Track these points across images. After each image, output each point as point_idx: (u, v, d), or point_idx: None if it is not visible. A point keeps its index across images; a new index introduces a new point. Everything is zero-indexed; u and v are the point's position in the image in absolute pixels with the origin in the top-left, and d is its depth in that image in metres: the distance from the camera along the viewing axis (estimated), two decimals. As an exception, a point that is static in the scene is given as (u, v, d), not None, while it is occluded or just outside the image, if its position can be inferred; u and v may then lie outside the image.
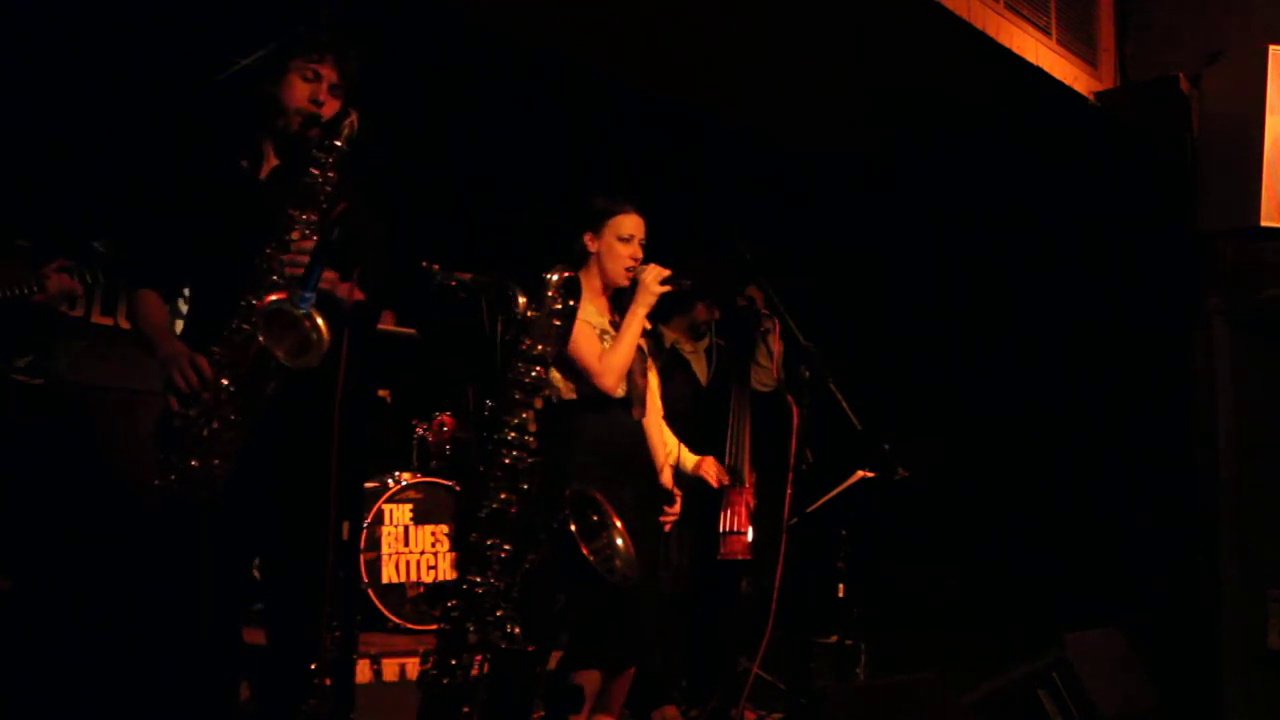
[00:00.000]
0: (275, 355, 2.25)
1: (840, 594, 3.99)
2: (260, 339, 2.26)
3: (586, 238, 3.41)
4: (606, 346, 3.32)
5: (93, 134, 4.39)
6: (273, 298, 2.29)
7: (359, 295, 2.45)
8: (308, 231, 2.42)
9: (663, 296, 3.42)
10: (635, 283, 3.36)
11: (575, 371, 3.32)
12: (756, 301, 4.25)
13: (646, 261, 3.39)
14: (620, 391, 3.34)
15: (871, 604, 4.23)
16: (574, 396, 3.35)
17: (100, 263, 3.57)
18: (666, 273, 3.34)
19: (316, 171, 2.44)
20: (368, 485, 4.64)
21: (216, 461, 2.32)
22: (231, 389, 2.32)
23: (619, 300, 3.43)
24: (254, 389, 2.32)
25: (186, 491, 2.32)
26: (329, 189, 2.44)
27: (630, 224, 3.40)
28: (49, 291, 3.39)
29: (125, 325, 4.90)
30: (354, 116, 2.47)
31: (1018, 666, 3.53)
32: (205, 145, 2.69)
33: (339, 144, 2.45)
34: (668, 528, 3.63)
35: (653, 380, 4.26)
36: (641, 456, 3.43)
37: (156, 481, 2.34)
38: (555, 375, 3.31)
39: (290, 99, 2.57)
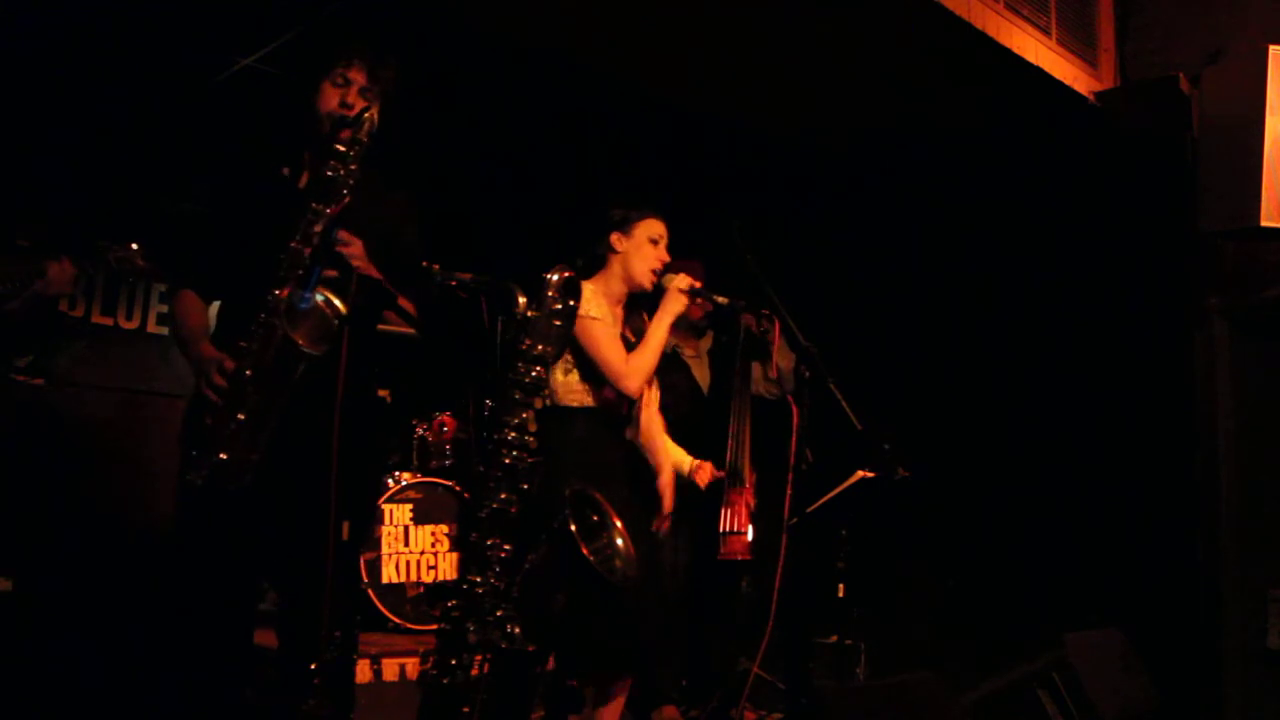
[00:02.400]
0: (298, 343, 2.30)
1: (840, 594, 3.99)
2: (284, 330, 2.30)
3: (614, 238, 3.41)
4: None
5: (95, 134, 4.40)
6: (290, 290, 2.35)
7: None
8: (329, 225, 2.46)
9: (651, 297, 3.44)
10: (658, 289, 3.37)
11: (594, 375, 3.29)
12: (761, 312, 4.24)
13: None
14: (639, 391, 3.32)
15: (871, 604, 4.22)
16: (591, 402, 3.31)
17: (101, 262, 3.58)
18: (698, 284, 3.38)
19: (338, 164, 2.47)
20: (367, 485, 4.64)
21: (253, 456, 2.36)
22: (254, 379, 2.35)
23: (631, 311, 3.42)
24: (278, 379, 2.35)
25: (218, 484, 2.35)
26: (351, 182, 2.47)
27: (659, 227, 3.44)
28: (47, 277, 3.39)
29: (125, 325, 4.91)
30: (373, 111, 2.52)
31: (1018, 666, 3.53)
32: (249, 152, 2.77)
33: (359, 137, 2.49)
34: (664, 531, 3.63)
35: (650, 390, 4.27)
36: (622, 467, 3.40)
37: (188, 477, 2.36)
38: (571, 379, 3.30)
39: (322, 105, 2.64)
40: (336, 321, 2.34)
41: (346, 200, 2.43)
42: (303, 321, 2.33)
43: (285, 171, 2.72)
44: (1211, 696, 4.63)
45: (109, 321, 4.73)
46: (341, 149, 2.48)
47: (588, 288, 3.29)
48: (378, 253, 2.56)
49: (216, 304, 2.78)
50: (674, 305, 3.33)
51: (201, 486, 2.35)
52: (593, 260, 3.44)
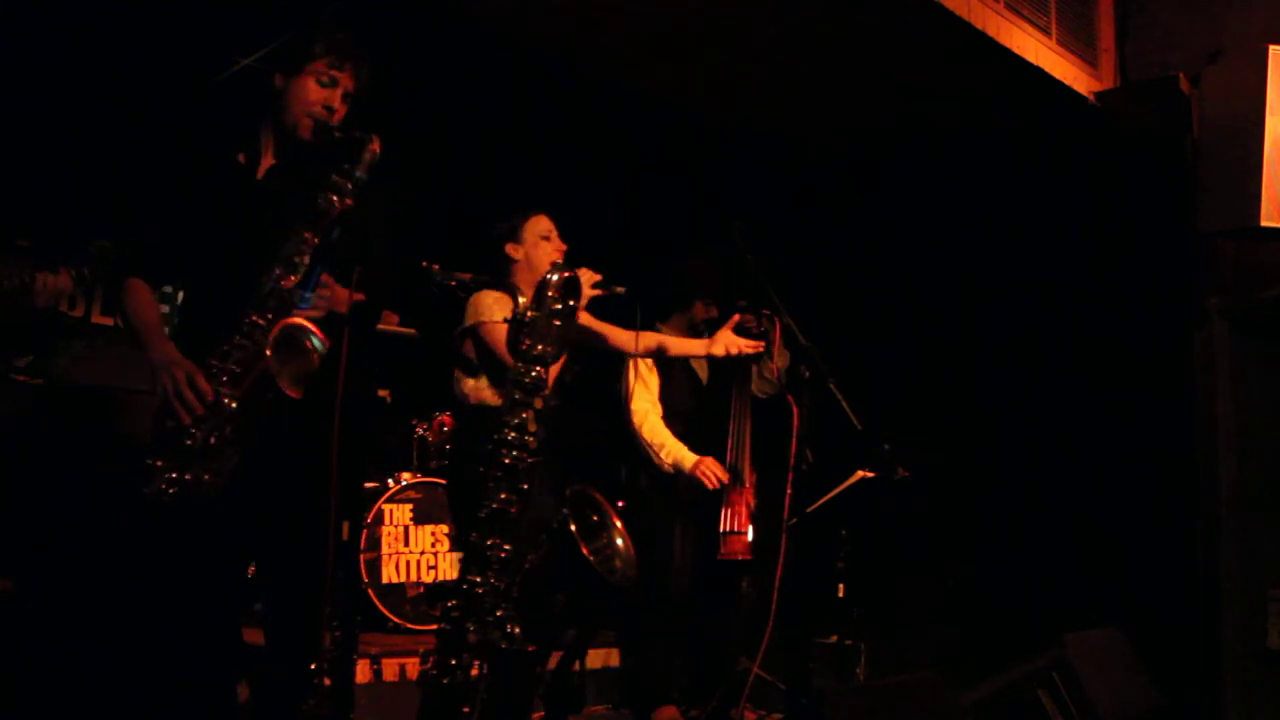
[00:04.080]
0: (278, 383, 2.23)
1: (840, 594, 3.99)
2: (268, 364, 2.24)
3: (509, 249, 3.51)
4: None
5: (91, 133, 4.39)
6: (287, 322, 2.27)
7: (359, 296, 2.44)
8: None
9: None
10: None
11: (501, 377, 3.35)
12: (761, 312, 4.24)
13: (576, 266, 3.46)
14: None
15: (871, 604, 4.22)
16: (498, 402, 3.41)
17: (99, 263, 3.56)
18: (599, 276, 3.37)
19: (335, 198, 2.36)
20: (368, 485, 4.64)
21: (207, 477, 2.29)
22: (234, 407, 2.29)
23: None
24: (252, 409, 2.30)
25: (176, 499, 2.29)
26: (340, 210, 2.38)
27: (545, 223, 3.54)
28: (35, 289, 3.37)
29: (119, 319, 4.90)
30: (376, 144, 2.40)
31: (1018, 666, 3.52)
32: (202, 135, 2.64)
33: (359, 173, 2.38)
34: None
35: (652, 380, 4.28)
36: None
37: (146, 489, 2.28)
38: (481, 382, 3.43)
39: (302, 99, 2.50)
40: (316, 368, 2.26)
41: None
42: (287, 360, 2.25)
43: (241, 159, 2.59)
44: (1211, 696, 4.63)
45: (109, 321, 4.71)
46: (339, 180, 2.37)
47: (491, 295, 3.41)
48: (357, 257, 2.50)
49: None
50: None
51: (157, 499, 2.28)
52: (498, 278, 3.54)
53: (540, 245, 3.49)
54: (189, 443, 2.29)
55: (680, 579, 4.17)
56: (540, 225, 3.53)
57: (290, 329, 2.27)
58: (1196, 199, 4.69)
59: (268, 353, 2.25)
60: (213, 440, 2.29)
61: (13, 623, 3.46)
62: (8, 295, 3.36)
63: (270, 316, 2.31)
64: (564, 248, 3.51)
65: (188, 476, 2.28)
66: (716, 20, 4.37)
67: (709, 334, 4.49)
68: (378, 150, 2.39)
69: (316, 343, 2.26)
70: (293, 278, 2.34)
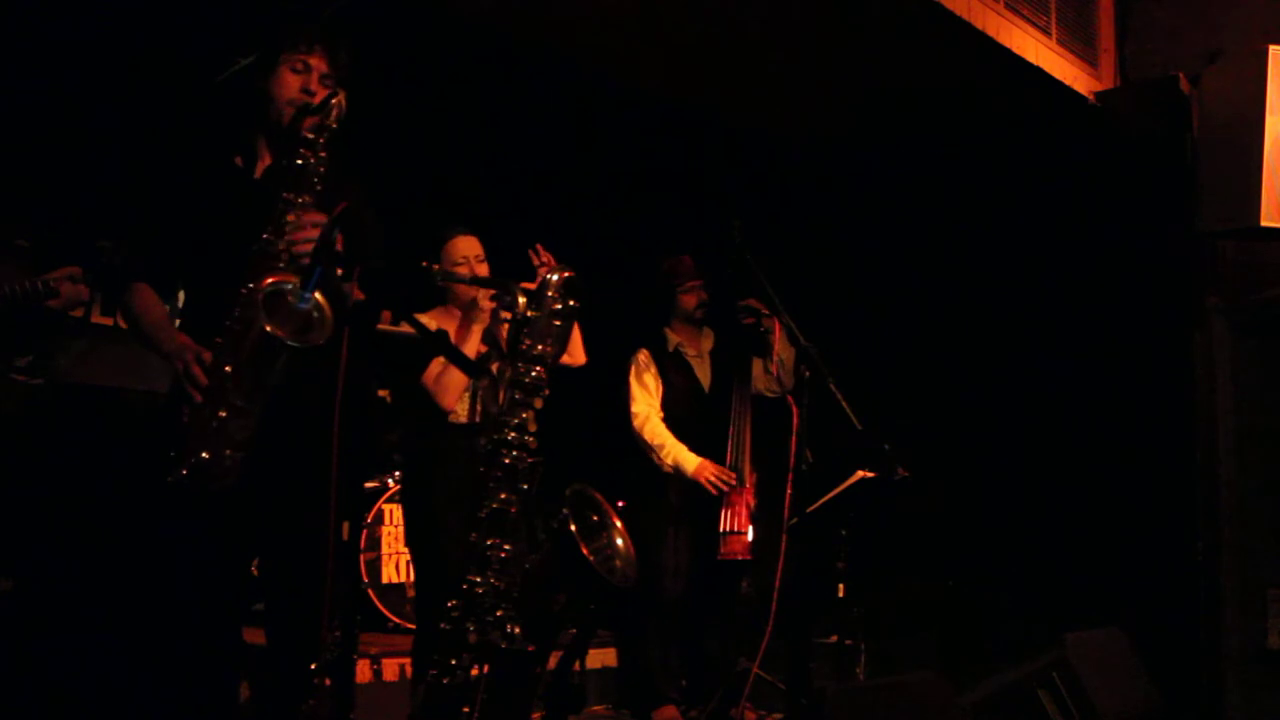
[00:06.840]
0: (279, 336, 2.25)
1: (840, 594, 3.99)
2: (263, 322, 2.25)
3: (436, 269, 3.52)
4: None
5: (91, 135, 4.40)
6: (270, 280, 2.29)
7: (359, 295, 2.45)
8: (302, 215, 2.42)
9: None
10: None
11: (418, 393, 3.45)
12: (757, 307, 4.25)
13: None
14: (454, 406, 3.46)
15: (871, 604, 4.23)
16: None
17: (102, 265, 3.56)
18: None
19: (307, 152, 2.43)
20: (367, 485, 4.64)
21: (228, 452, 2.31)
22: (233, 374, 2.31)
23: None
24: (258, 373, 2.31)
25: (201, 484, 2.30)
26: (322, 169, 2.44)
27: (463, 246, 3.56)
28: (62, 298, 3.38)
29: (125, 325, 4.90)
30: (341, 96, 2.46)
31: (1018, 666, 3.52)
32: (200, 143, 2.70)
33: (328, 124, 2.45)
34: None
35: (653, 383, 4.28)
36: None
37: (169, 479, 2.31)
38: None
39: (282, 92, 2.57)
40: (316, 314, 2.28)
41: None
42: (283, 315, 2.27)
43: (239, 161, 2.65)
44: (1211, 696, 4.63)
45: (109, 321, 4.70)
46: (310, 136, 2.44)
47: (426, 319, 3.43)
48: (357, 257, 2.51)
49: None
50: (481, 316, 3.44)
51: (182, 486, 2.29)
52: (435, 296, 3.65)
53: (457, 269, 3.53)
54: (204, 425, 2.30)
55: (674, 580, 4.18)
56: (456, 250, 3.55)
57: (273, 287, 2.28)
58: (1196, 199, 4.68)
59: (262, 318, 2.26)
60: (224, 414, 2.30)
61: (13, 623, 3.46)
62: (16, 300, 3.36)
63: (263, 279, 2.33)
64: (483, 268, 3.54)
65: (205, 455, 2.29)
66: (716, 20, 4.36)
67: (707, 324, 4.51)
68: (344, 103, 2.46)
69: (299, 292, 2.27)
70: (280, 244, 2.38)
